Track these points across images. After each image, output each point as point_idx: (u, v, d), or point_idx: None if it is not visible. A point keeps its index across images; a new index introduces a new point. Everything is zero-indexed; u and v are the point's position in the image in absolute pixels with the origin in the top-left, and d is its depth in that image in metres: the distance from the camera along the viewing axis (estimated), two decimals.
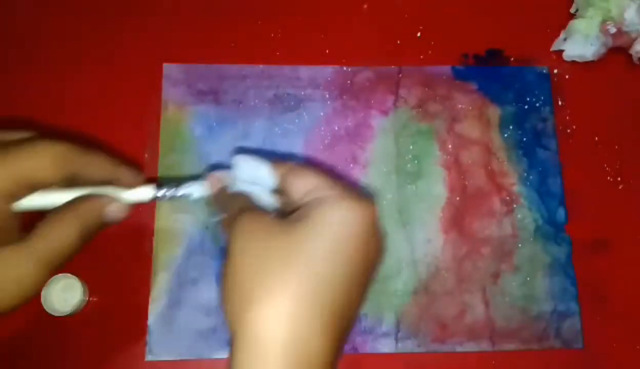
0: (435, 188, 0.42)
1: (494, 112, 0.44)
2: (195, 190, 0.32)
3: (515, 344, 0.40)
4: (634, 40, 0.43)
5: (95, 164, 0.29)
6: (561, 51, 0.45)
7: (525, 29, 0.46)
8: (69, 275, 0.38)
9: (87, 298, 0.39)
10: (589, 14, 0.43)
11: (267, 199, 0.31)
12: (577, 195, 0.43)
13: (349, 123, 0.43)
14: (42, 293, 0.37)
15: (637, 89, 0.45)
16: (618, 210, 0.43)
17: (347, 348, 0.39)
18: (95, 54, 0.43)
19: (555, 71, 0.45)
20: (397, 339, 0.40)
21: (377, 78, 0.44)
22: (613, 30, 0.43)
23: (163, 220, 0.40)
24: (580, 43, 0.44)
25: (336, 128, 0.43)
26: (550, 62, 0.45)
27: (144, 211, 0.40)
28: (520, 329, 0.40)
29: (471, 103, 0.44)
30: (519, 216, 0.42)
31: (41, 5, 0.44)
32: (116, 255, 0.40)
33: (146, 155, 0.42)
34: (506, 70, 0.45)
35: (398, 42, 0.45)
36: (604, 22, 0.43)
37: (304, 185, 0.28)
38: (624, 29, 0.43)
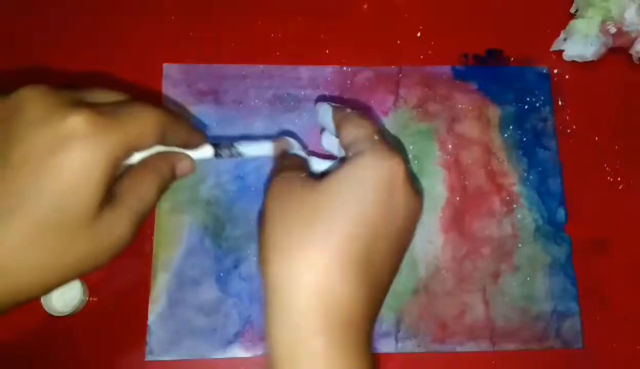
0: (435, 188, 0.42)
1: (494, 112, 0.44)
2: (259, 150, 0.35)
3: (515, 344, 0.40)
4: (634, 40, 0.43)
5: (179, 129, 0.30)
6: (561, 51, 0.45)
7: (525, 29, 0.46)
8: None
9: (87, 298, 0.39)
10: (589, 14, 0.43)
11: (321, 164, 0.35)
12: (577, 195, 0.43)
13: None
14: None
15: (637, 89, 0.45)
16: (618, 210, 0.43)
17: None
18: (95, 53, 0.43)
19: (555, 71, 0.45)
20: (397, 339, 0.40)
21: (377, 78, 0.44)
22: (613, 30, 0.43)
23: (163, 220, 0.40)
24: (580, 43, 0.44)
25: None
26: (550, 62, 0.45)
27: None
28: (520, 329, 0.40)
29: (471, 103, 0.44)
30: (519, 216, 0.42)
31: (41, 5, 0.44)
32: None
33: None
34: (506, 70, 0.45)
35: (398, 42, 0.45)
36: (604, 22, 0.43)
37: (348, 135, 0.31)
38: (624, 29, 0.43)
